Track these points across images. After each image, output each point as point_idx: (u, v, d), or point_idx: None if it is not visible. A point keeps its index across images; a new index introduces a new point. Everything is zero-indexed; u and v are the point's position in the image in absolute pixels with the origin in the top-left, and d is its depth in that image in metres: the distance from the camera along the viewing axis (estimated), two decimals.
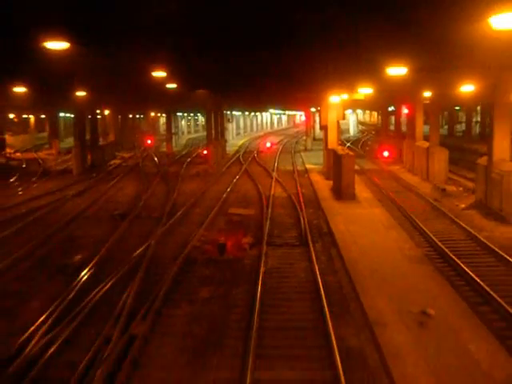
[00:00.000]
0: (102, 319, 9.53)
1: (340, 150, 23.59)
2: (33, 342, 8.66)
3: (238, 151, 46.80)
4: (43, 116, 63.00)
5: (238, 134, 74.49)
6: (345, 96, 26.94)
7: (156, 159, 40.20)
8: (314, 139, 55.75)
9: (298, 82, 22.03)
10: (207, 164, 33.83)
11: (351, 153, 21.87)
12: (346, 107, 50.19)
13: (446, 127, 62.22)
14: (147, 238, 15.14)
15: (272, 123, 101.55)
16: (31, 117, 66.52)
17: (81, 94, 26.66)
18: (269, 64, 16.06)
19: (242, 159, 39.02)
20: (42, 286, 11.74)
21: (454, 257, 12.92)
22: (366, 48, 11.72)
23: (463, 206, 19.37)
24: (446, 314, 9.32)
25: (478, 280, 11.16)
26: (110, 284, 11.40)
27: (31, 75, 18.23)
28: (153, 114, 69.41)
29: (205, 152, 37.82)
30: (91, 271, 12.42)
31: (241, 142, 59.55)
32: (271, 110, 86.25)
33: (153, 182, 27.57)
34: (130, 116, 61.95)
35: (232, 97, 38.81)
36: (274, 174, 29.03)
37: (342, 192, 20.82)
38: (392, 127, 49.49)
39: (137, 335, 8.71)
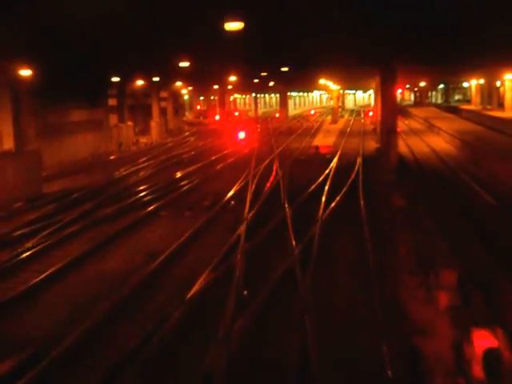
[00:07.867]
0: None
1: (336, 107, 61.10)
2: None
3: (294, 116, 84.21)
4: None
5: (294, 108, 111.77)
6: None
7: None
8: (343, 109, 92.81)
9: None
10: (280, 118, 71.86)
11: (337, 107, 59.42)
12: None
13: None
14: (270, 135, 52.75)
15: (321, 101, 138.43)
16: None
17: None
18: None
19: (297, 118, 76.76)
20: None
21: (348, 131, 49.85)
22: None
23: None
24: (357, 129, 46.67)
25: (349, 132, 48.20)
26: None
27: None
28: (234, 96, 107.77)
29: (277, 115, 76.06)
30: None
31: (296, 112, 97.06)
32: (316, 92, 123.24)
33: (258, 124, 65.28)
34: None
35: (291, 83, 76.16)
36: (311, 121, 66.52)
37: (332, 120, 58.24)
38: None
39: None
